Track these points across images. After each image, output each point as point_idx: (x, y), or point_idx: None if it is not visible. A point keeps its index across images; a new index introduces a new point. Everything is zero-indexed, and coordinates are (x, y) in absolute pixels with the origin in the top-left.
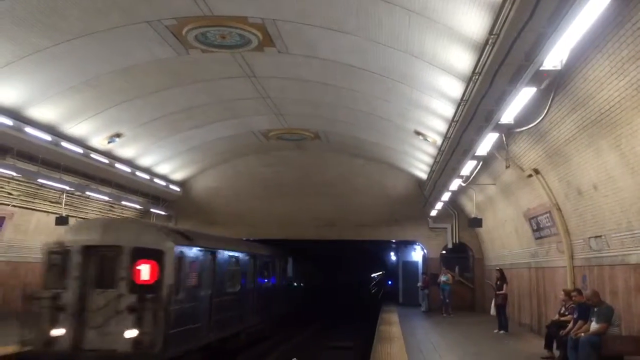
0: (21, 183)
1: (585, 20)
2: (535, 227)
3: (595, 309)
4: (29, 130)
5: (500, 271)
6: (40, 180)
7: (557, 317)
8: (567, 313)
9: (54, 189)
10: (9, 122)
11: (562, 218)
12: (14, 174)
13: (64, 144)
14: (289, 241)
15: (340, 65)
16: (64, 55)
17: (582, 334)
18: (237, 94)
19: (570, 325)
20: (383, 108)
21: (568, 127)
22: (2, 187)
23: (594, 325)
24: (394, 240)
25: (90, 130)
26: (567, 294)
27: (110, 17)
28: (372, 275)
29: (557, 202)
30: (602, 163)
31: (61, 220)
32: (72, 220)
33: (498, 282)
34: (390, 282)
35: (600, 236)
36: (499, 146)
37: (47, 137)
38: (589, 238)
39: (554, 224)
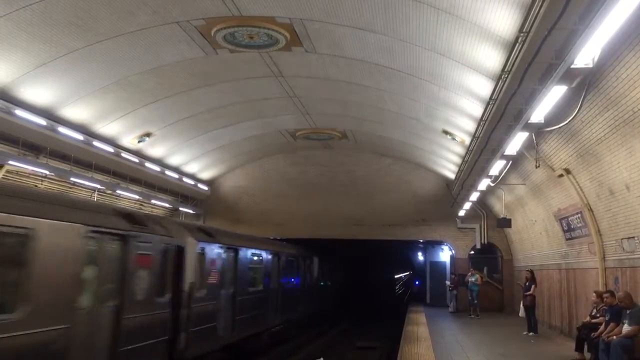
0: (54, 182)
1: (617, 18)
2: (566, 228)
3: (628, 312)
4: (61, 129)
5: (531, 272)
6: (72, 179)
7: (588, 319)
8: (598, 315)
9: (86, 188)
10: (42, 122)
11: (594, 219)
12: (47, 172)
13: (96, 143)
14: (315, 240)
15: (367, 64)
16: (96, 56)
17: (614, 337)
18: (264, 94)
19: (602, 327)
20: (410, 107)
21: (600, 126)
22: (35, 186)
23: (626, 328)
24: (421, 240)
25: (120, 130)
26: (599, 295)
27: (141, 18)
28: (398, 276)
29: (588, 203)
30: (635, 163)
31: None
32: None
33: (527, 283)
34: (417, 282)
35: (633, 237)
36: (528, 145)
37: (79, 137)
38: (622, 239)
39: (586, 224)
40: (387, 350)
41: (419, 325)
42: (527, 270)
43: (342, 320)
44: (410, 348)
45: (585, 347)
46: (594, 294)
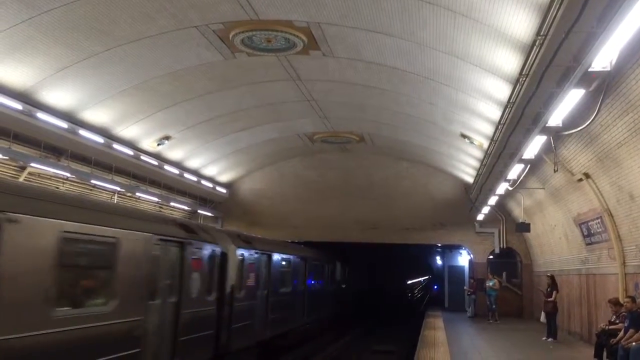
0: (75, 184)
1: (635, 20)
2: (585, 233)
3: None
4: (82, 132)
5: (551, 277)
6: (93, 181)
7: (606, 323)
8: (618, 321)
9: (106, 190)
10: (63, 124)
11: (614, 224)
12: (69, 175)
13: (116, 146)
14: (333, 244)
15: (384, 68)
16: (116, 59)
17: (633, 343)
18: (282, 97)
19: (621, 333)
20: (428, 111)
21: (619, 129)
22: (57, 188)
23: None
24: (439, 244)
25: (140, 133)
26: (615, 303)
27: (160, 22)
28: (416, 280)
29: (608, 207)
30: None
31: None
32: None
33: (548, 289)
34: (436, 287)
35: None
36: (547, 149)
37: (100, 140)
38: None
39: (605, 229)
40: (404, 354)
41: (437, 330)
42: (548, 275)
43: (360, 323)
44: (427, 352)
45: (605, 353)
46: (609, 302)
